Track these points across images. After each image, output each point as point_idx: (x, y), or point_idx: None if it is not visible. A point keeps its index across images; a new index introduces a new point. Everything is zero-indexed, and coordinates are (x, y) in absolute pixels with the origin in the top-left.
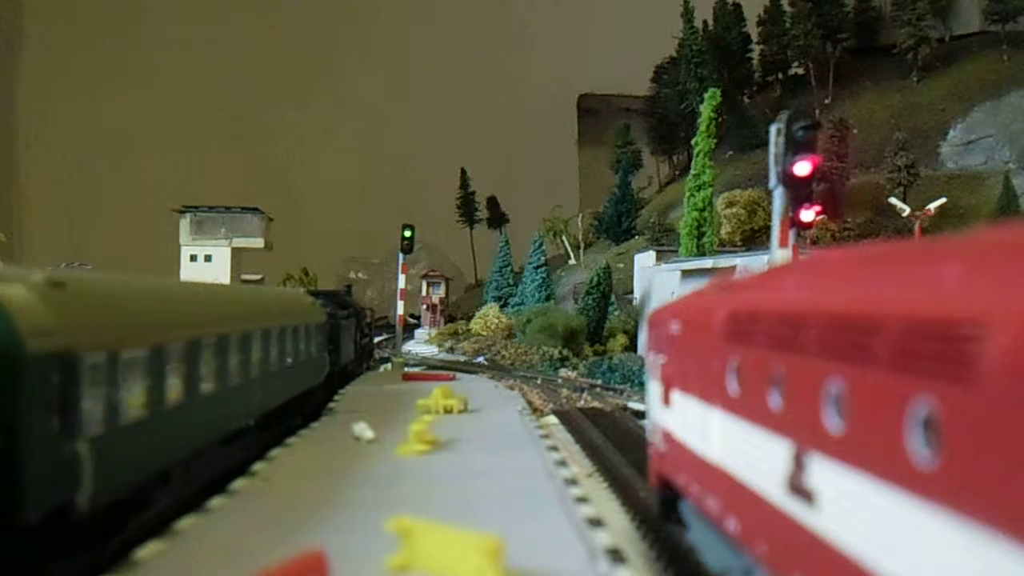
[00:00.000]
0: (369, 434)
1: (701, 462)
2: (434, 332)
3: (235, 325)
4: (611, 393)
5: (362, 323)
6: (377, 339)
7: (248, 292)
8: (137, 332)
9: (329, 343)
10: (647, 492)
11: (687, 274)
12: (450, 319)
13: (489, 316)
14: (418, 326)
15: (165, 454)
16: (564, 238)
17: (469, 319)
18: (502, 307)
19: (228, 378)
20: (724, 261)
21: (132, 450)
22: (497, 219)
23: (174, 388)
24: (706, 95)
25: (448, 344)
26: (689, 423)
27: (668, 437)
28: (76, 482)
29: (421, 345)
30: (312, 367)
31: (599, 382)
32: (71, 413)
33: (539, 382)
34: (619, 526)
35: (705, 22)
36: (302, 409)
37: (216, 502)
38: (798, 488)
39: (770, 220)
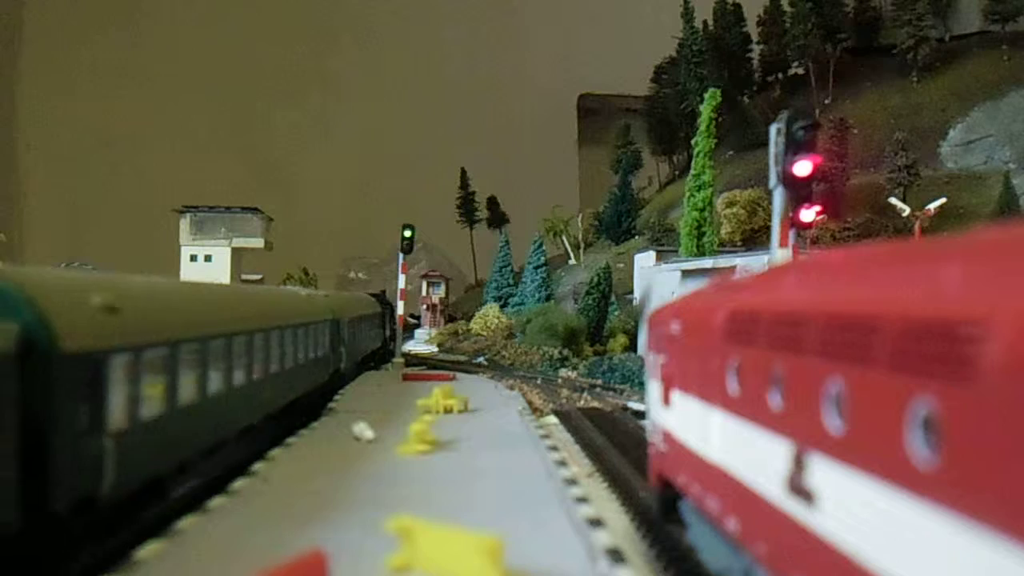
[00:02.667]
0: (369, 434)
1: (701, 462)
2: (434, 332)
3: (358, 311)
4: (611, 393)
5: (394, 315)
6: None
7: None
8: (158, 332)
9: (383, 325)
10: (647, 492)
11: (687, 274)
12: (450, 319)
13: (489, 316)
14: (418, 326)
15: (213, 433)
16: (564, 238)
17: (469, 319)
18: (502, 307)
19: (306, 353)
20: (724, 261)
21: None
22: (497, 219)
23: (209, 381)
24: (706, 95)
25: (448, 344)
26: (689, 423)
27: (668, 437)
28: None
29: (421, 345)
30: (379, 338)
31: (599, 382)
32: (98, 409)
33: (539, 382)
34: (619, 526)
35: (705, 22)
36: (381, 353)
37: (216, 502)
38: (798, 488)
39: (770, 220)
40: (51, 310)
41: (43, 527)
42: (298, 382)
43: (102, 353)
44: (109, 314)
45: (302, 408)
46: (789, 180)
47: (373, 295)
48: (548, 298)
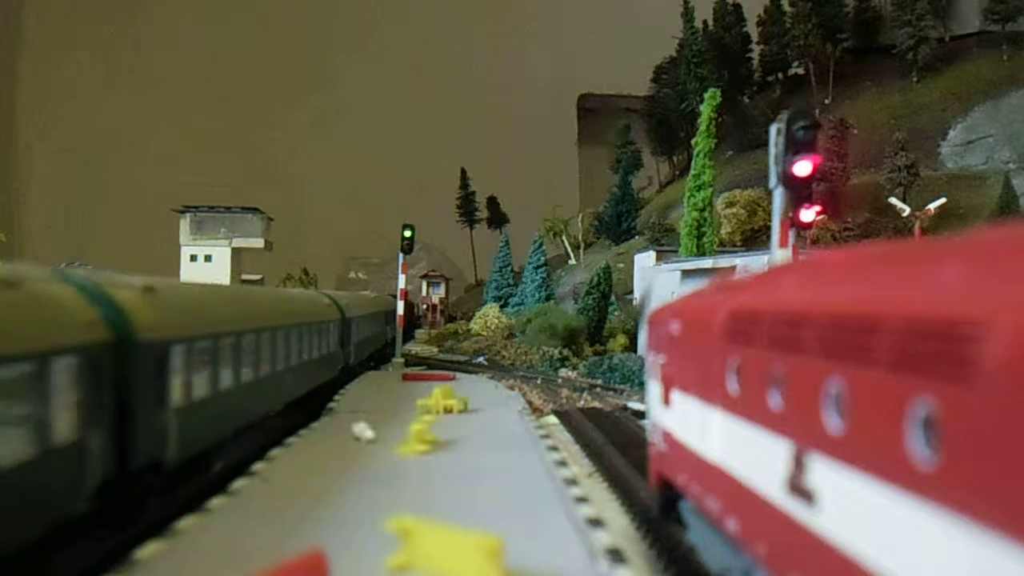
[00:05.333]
0: (369, 434)
1: (701, 462)
2: (434, 332)
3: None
4: (611, 393)
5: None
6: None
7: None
8: (205, 328)
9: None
10: (647, 492)
11: (687, 274)
12: (450, 319)
13: (489, 316)
14: (419, 326)
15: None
16: (564, 238)
17: (469, 319)
18: (502, 307)
19: (326, 345)
20: (724, 261)
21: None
22: (497, 219)
23: (242, 370)
24: (706, 95)
25: (448, 344)
26: (689, 423)
27: (668, 437)
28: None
29: (420, 345)
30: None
31: (599, 382)
32: (164, 389)
33: (539, 382)
34: (619, 526)
35: (705, 22)
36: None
37: (216, 502)
38: (798, 488)
39: (770, 220)
40: (131, 310)
41: (126, 483)
42: (316, 372)
43: (166, 343)
44: (169, 311)
45: (323, 394)
46: (789, 180)
47: (393, 295)
48: (548, 298)
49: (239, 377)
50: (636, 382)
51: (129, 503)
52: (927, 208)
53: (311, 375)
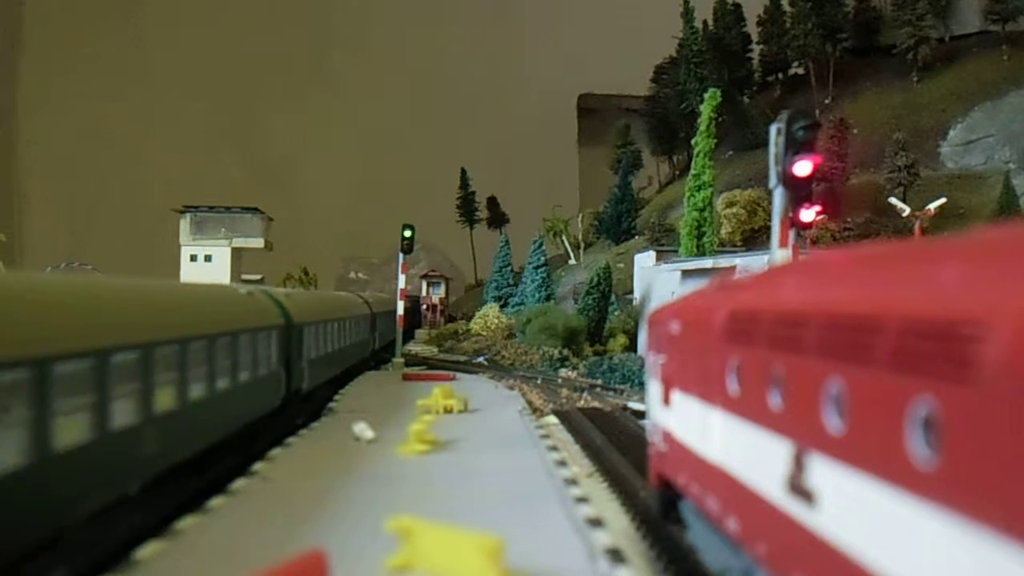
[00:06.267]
0: (369, 434)
1: (701, 462)
2: (434, 332)
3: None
4: (611, 393)
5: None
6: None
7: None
8: (315, 316)
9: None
10: (647, 492)
11: (687, 274)
12: (450, 319)
13: (489, 316)
14: (419, 325)
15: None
16: (564, 238)
17: (469, 319)
18: (502, 307)
19: (355, 336)
20: (724, 261)
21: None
22: (497, 219)
23: (334, 341)
24: (706, 95)
25: (448, 344)
26: (689, 423)
27: (668, 437)
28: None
29: (420, 345)
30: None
31: (599, 382)
32: (302, 349)
33: (539, 382)
34: (619, 526)
35: (705, 22)
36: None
37: (216, 502)
38: (798, 488)
39: (770, 220)
40: (288, 307)
41: (286, 402)
42: (360, 349)
43: (302, 325)
44: (301, 307)
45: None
46: (789, 180)
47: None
48: (548, 298)
49: (333, 345)
50: (636, 382)
51: (291, 409)
52: (927, 208)
53: (358, 349)
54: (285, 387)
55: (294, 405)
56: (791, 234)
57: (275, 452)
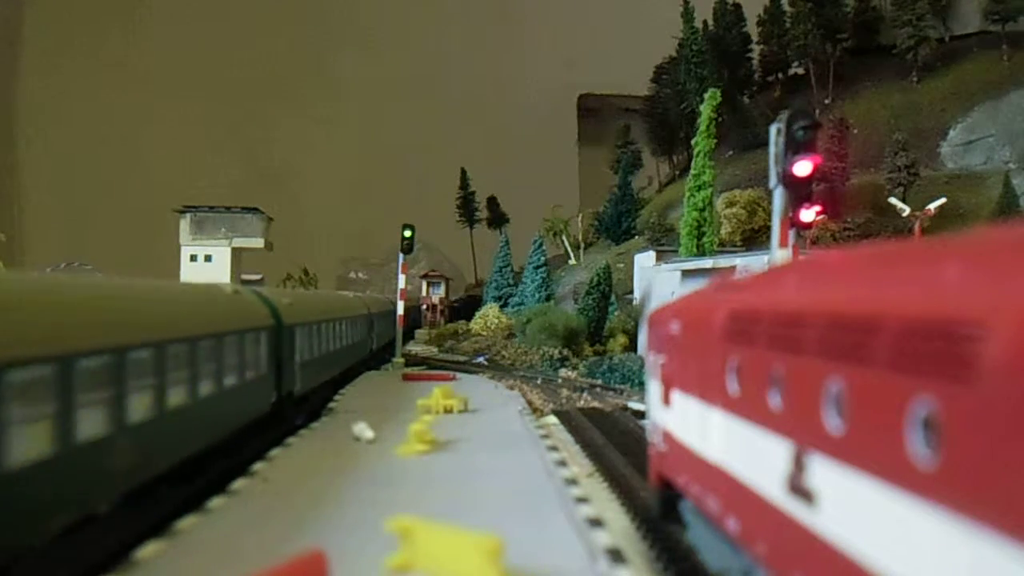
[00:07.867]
0: (369, 434)
1: (701, 462)
2: (434, 332)
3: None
4: (611, 393)
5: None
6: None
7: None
8: (308, 316)
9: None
10: (647, 492)
11: (687, 274)
12: (455, 312)
13: (489, 316)
14: (418, 326)
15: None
16: (564, 238)
17: (469, 319)
18: (502, 307)
19: (353, 336)
20: (724, 261)
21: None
22: (497, 219)
23: (329, 342)
24: (706, 95)
25: (448, 344)
26: (689, 423)
27: (668, 437)
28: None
29: (420, 345)
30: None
31: (599, 382)
32: (293, 351)
33: (539, 382)
34: (619, 526)
35: (705, 22)
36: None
37: (216, 502)
38: (798, 488)
39: (770, 220)
40: (279, 307)
41: (278, 405)
42: (357, 351)
43: (294, 326)
44: (293, 307)
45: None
46: (789, 180)
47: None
48: (548, 298)
49: (326, 347)
50: (636, 382)
51: (282, 413)
52: (927, 208)
53: (356, 351)
54: (275, 390)
55: (286, 409)
56: (791, 234)
57: (275, 452)
